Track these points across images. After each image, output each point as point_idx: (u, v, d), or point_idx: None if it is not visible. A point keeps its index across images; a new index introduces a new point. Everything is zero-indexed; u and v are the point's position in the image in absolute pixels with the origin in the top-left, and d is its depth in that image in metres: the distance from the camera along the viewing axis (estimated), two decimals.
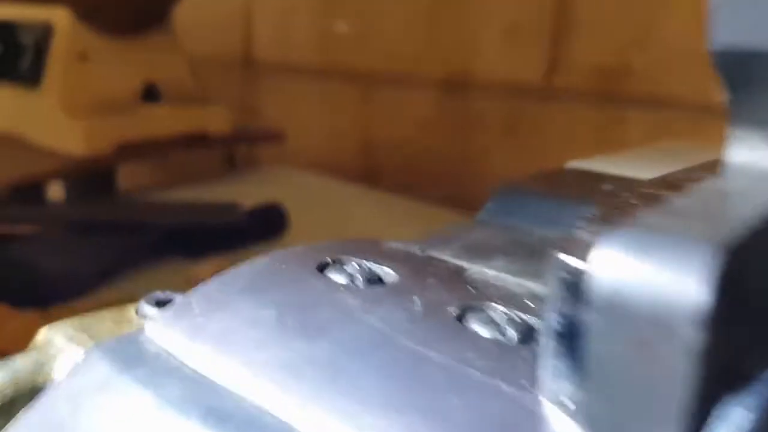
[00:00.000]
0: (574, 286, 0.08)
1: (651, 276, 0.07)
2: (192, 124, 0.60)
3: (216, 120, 0.62)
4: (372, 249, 0.14)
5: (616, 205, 0.14)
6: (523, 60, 0.56)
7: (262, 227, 0.48)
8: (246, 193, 0.53)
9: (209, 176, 0.65)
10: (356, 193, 0.62)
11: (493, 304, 0.12)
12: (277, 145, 0.68)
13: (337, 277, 0.12)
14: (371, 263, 0.13)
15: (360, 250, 0.14)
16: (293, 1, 0.73)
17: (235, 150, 0.74)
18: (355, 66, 0.68)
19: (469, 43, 0.59)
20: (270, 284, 0.12)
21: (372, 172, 0.69)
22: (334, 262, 0.13)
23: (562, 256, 0.09)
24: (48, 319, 0.14)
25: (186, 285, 0.13)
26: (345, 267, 0.13)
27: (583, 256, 0.08)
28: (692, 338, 0.07)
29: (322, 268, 0.13)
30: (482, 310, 0.11)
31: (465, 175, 0.62)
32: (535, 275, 0.13)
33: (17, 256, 0.40)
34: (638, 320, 0.07)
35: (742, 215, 0.08)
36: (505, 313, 0.11)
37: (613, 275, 0.08)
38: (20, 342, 0.14)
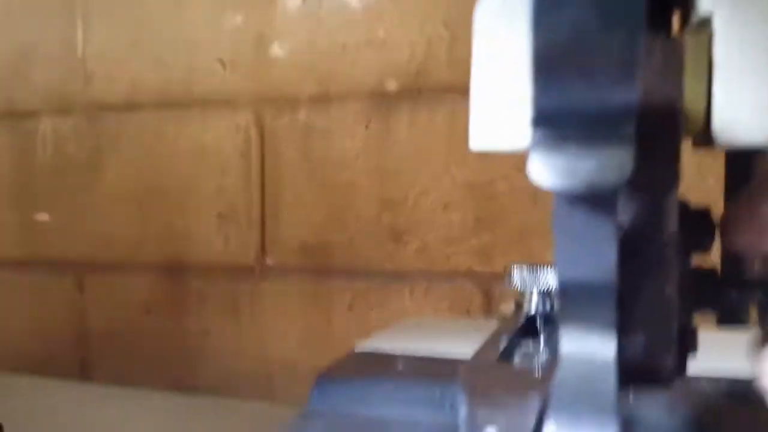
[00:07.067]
0: None
1: None
2: None
3: None
4: None
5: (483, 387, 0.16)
6: (236, 243, 0.61)
7: None
8: None
9: None
10: (69, 389, 0.58)
11: None
12: None
13: None
14: None
15: None
16: None
17: None
18: (65, 256, 0.66)
19: (184, 230, 0.62)
20: None
21: (86, 363, 0.66)
22: None
23: None
24: None
25: None
26: None
27: None
28: None
29: None
30: None
31: (186, 359, 0.62)
32: None
33: None
34: None
35: None
36: None
37: None
38: None
